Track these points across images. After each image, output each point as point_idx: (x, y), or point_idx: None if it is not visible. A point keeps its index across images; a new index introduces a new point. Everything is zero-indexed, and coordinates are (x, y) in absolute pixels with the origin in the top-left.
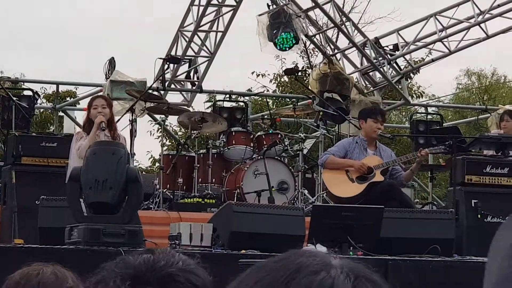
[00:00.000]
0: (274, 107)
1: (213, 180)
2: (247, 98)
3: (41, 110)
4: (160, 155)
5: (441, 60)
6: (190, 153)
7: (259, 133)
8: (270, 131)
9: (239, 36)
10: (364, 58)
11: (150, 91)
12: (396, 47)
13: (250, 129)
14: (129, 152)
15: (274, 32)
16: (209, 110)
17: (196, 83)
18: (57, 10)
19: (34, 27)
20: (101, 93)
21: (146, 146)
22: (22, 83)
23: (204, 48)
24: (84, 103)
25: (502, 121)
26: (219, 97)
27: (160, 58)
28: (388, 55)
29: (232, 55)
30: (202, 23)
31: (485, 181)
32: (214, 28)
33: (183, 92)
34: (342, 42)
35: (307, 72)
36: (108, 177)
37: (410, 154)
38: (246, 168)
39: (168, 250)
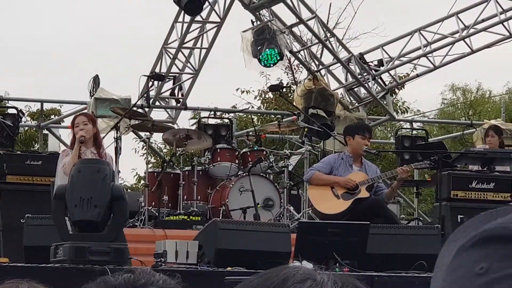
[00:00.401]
0: (259, 123)
1: (199, 197)
2: (231, 114)
3: (26, 128)
4: (145, 173)
5: (426, 75)
6: (175, 170)
7: (244, 150)
8: (255, 148)
9: (224, 52)
10: (348, 74)
11: (134, 108)
12: (380, 62)
13: (235, 146)
14: (114, 169)
15: (258, 48)
16: (194, 127)
17: (181, 100)
18: (40, 27)
19: (18, 44)
20: (85, 111)
21: (131, 163)
22: (6, 101)
23: (189, 65)
24: (68, 121)
25: (487, 137)
26: (204, 114)
27: (145, 75)
28: (373, 70)
29: (217, 71)
30: (186, 40)
31: (471, 196)
32: (198, 45)
33: (167, 109)
34: (327, 58)
35: (291, 88)
36: (93, 195)
37: (394, 170)
38: (231, 185)
39: (148, 270)
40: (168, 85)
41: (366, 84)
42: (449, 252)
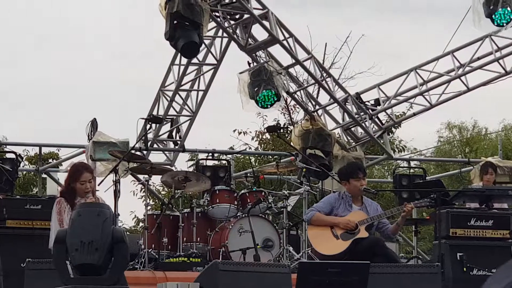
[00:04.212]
0: (256, 164)
1: (198, 238)
2: (229, 156)
3: (24, 172)
4: (144, 215)
5: (422, 114)
6: (174, 213)
7: (242, 191)
8: (253, 189)
9: (221, 94)
10: (345, 114)
11: (133, 151)
12: (377, 101)
13: (233, 187)
14: (114, 212)
15: (255, 89)
16: (192, 169)
17: (179, 142)
18: (37, 70)
19: (15, 89)
20: (83, 155)
21: (129, 206)
22: (4, 146)
23: (186, 107)
24: (66, 165)
25: (486, 174)
26: (202, 155)
27: (142, 118)
28: (370, 110)
29: (214, 113)
30: (183, 82)
31: (470, 234)
32: (195, 87)
33: (165, 152)
34: (323, 98)
35: (288, 129)
36: (94, 238)
37: (394, 209)
38: (230, 226)
39: None
40: (166, 127)
41: (363, 124)
42: None
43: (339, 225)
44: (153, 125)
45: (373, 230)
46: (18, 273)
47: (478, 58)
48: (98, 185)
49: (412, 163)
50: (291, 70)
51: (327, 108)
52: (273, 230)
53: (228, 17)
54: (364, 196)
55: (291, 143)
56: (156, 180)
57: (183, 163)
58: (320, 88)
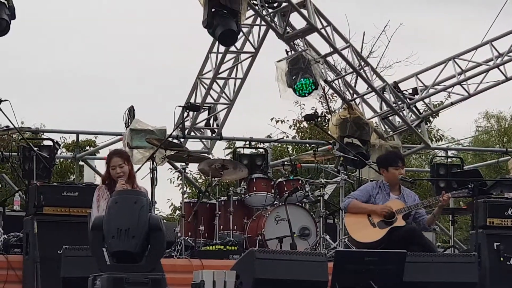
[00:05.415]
0: (294, 153)
1: (235, 227)
2: (267, 144)
3: (61, 159)
4: (181, 203)
5: (460, 103)
6: (211, 201)
7: (279, 180)
8: (291, 177)
9: (258, 82)
10: (383, 103)
11: (170, 139)
12: (415, 91)
13: (270, 176)
14: (150, 200)
15: (293, 78)
16: (229, 157)
17: (216, 130)
18: (74, 58)
19: (53, 74)
20: (120, 142)
21: (166, 194)
22: (42, 133)
23: (223, 95)
24: (104, 152)
25: None
26: (239, 144)
27: (180, 106)
28: (408, 99)
29: (251, 101)
30: (221, 70)
31: (507, 224)
32: (233, 75)
33: (203, 140)
34: (361, 86)
35: (326, 117)
36: (131, 226)
37: (432, 199)
38: (267, 215)
39: None
40: (203, 115)
41: (401, 113)
42: None
43: (376, 212)
44: (191, 113)
45: (410, 220)
46: (55, 260)
47: None
48: (135, 172)
49: (450, 153)
50: (329, 58)
51: (365, 97)
52: (310, 219)
53: (266, 5)
54: (401, 185)
55: (329, 132)
56: (193, 168)
57: (220, 151)
58: (358, 77)
